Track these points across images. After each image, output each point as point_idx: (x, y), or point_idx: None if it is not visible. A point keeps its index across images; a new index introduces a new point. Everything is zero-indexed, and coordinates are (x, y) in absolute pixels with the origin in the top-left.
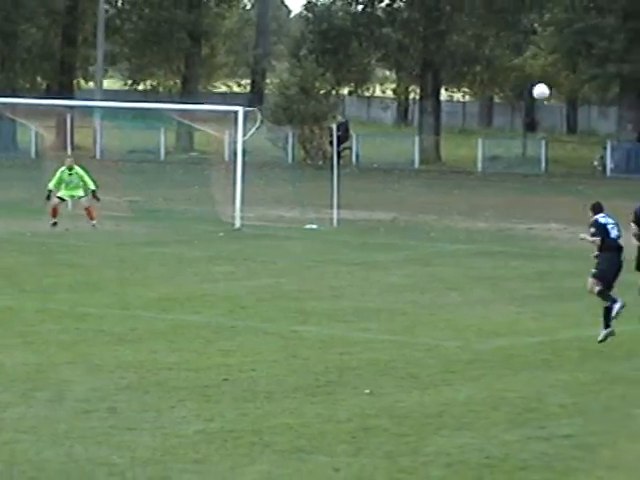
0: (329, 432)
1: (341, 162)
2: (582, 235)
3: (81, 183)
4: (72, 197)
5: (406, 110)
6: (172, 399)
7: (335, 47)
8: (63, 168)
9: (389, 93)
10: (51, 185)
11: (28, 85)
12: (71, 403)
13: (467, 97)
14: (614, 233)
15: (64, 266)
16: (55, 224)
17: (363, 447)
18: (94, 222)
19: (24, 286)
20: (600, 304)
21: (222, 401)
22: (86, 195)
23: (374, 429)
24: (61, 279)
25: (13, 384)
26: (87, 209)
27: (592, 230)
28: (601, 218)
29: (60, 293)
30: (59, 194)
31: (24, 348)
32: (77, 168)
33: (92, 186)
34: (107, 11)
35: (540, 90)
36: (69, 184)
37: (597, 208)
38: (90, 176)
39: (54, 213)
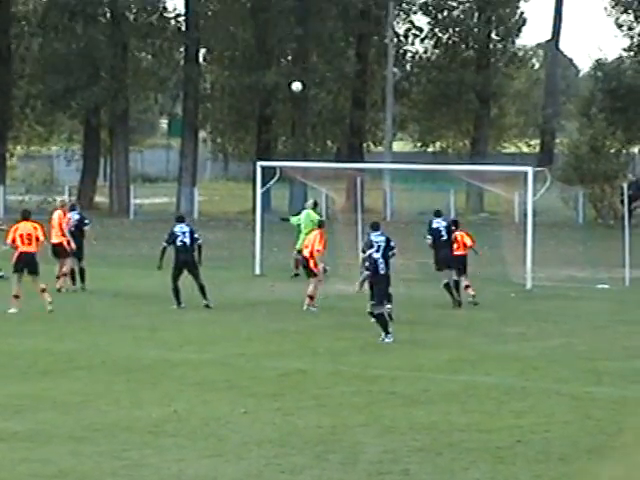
0: None
1: (632, 221)
2: None
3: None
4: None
5: None
6: (465, 461)
7: (625, 105)
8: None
9: None
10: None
11: (318, 149)
12: (364, 465)
13: None
14: None
15: (356, 328)
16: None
17: None
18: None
19: (317, 349)
20: None
21: (516, 463)
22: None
23: None
24: (353, 341)
25: (307, 446)
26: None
27: None
28: None
29: (351, 355)
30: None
31: (317, 410)
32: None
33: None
34: (395, 74)
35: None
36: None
37: None
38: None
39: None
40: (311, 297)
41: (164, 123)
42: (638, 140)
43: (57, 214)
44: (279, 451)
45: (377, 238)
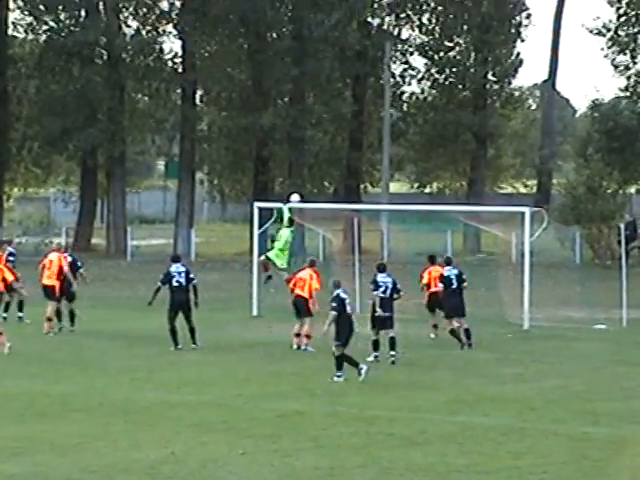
0: None
1: (630, 261)
2: None
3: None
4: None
5: None
6: None
7: (622, 146)
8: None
9: None
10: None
11: (315, 190)
12: None
13: None
14: None
15: (352, 370)
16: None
17: None
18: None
19: (314, 390)
20: None
21: None
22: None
23: None
24: (350, 382)
25: None
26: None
27: None
28: None
29: (349, 396)
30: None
31: (315, 452)
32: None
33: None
34: (392, 115)
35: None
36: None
37: None
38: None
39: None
40: (308, 336)
41: (161, 164)
42: (635, 180)
43: (56, 256)
44: None
45: (384, 279)
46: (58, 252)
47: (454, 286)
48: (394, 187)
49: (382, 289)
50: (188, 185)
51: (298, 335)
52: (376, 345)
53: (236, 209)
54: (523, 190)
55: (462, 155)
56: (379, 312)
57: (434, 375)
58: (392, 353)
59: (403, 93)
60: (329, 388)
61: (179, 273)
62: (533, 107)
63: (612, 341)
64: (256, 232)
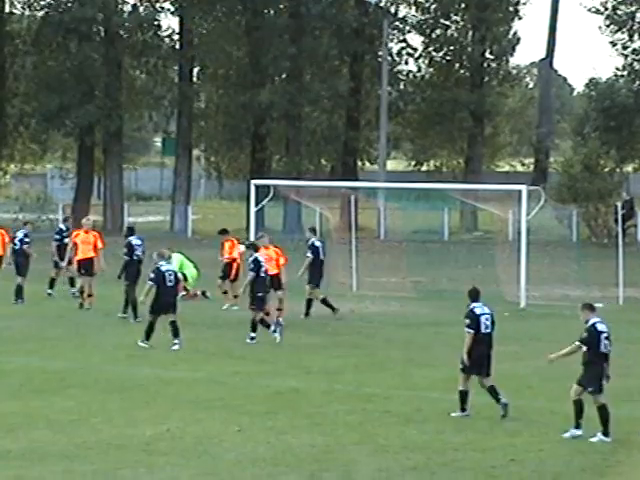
0: None
1: (626, 240)
2: None
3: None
4: None
5: None
6: None
7: (619, 124)
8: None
9: None
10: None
11: (312, 167)
12: None
13: None
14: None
15: (350, 347)
16: None
17: None
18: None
19: (310, 368)
20: None
21: None
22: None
23: None
24: (347, 360)
25: (301, 465)
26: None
27: None
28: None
29: (346, 374)
30: None
31: (311, 429)
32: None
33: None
34: (390, 93)
35: None
36: None
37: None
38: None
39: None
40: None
41: (158, 141)
42: (632, 159)
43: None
44: (273, 470)
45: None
46: (85, 229)
47: (321, 257)
48: (391, 165)
49: (263, 269)
50: (185, 162)
51: (279, 310)
52: (257, 326)
53: (233, 186)
54: (520, 168)
55: (459, 133)
56: (261, 293)
57: (430, 353)
58: (275, 335)
59: (400, 71)
60: (325, 366)
61: (139, 246)
62: (530, 85)
63: (608, 319)
64: (253, 209)
